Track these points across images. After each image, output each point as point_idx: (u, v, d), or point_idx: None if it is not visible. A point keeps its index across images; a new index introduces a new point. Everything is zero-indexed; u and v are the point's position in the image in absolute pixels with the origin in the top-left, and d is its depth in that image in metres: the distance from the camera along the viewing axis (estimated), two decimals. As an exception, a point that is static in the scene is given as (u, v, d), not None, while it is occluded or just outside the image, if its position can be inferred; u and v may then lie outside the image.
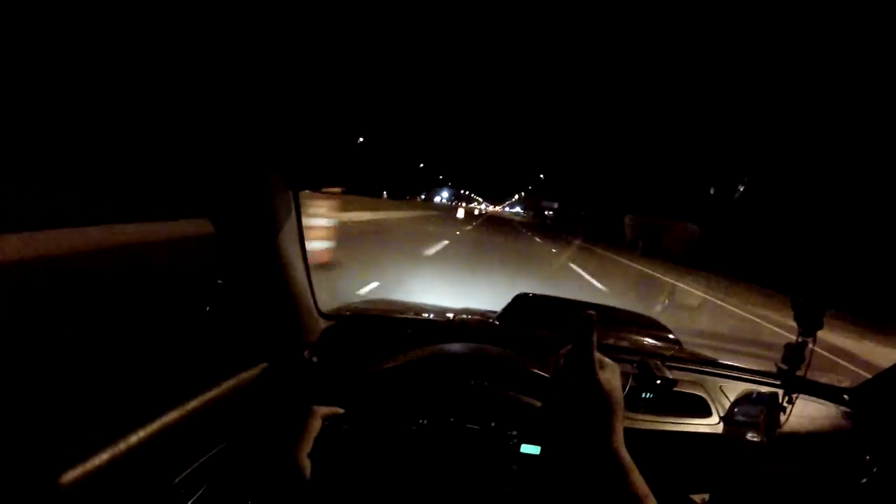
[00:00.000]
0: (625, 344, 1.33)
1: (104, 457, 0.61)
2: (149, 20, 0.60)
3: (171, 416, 0.72)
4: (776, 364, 0.97)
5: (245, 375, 0.91)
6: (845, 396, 1.20)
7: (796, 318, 0.88)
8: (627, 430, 1.04)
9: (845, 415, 1.18)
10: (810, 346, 0.89)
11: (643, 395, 1.09)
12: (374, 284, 5.59)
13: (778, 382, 1.08)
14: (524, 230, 29.64)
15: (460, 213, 30.34)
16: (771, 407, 1.00)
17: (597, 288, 8.64)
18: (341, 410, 0.73)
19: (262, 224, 0.87)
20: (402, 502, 0.79)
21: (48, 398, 0.71)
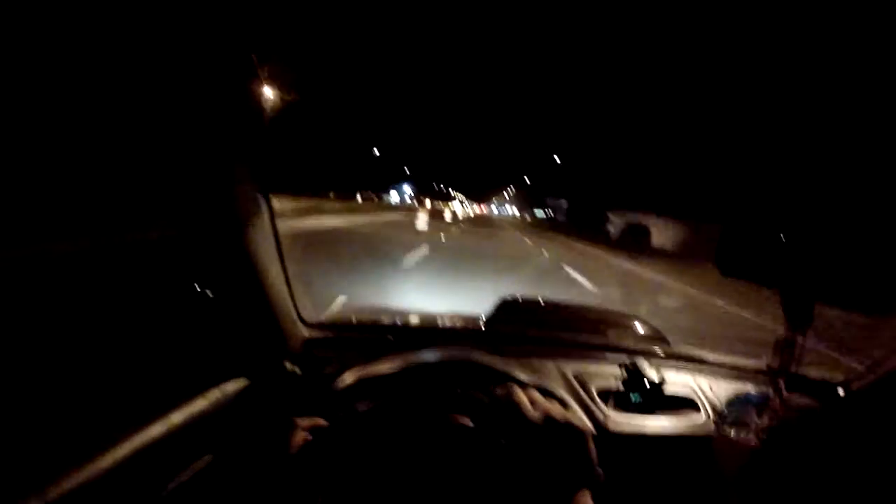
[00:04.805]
0: (610, 344, 1.34)
1: (90, 471, 0.60)
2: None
3: (156, 429, 0.71)
4: (766, 362, 0.95)
5: (229, 387, 0.90)
6: (840, 391, 1.20)
7: (785, 313, 0.86)
8: (616, 436, 1.04)
9: (840, 412, 1.16)
10: (800, 341, 0.87)
11: (632, 398, 1.10)
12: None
13: (768, 380, 1.06)
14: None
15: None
16: (762, 407, 0.99)
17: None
18: (324, 422, 0.73)
19: (234, 230, 0.86)
20: None
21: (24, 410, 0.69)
